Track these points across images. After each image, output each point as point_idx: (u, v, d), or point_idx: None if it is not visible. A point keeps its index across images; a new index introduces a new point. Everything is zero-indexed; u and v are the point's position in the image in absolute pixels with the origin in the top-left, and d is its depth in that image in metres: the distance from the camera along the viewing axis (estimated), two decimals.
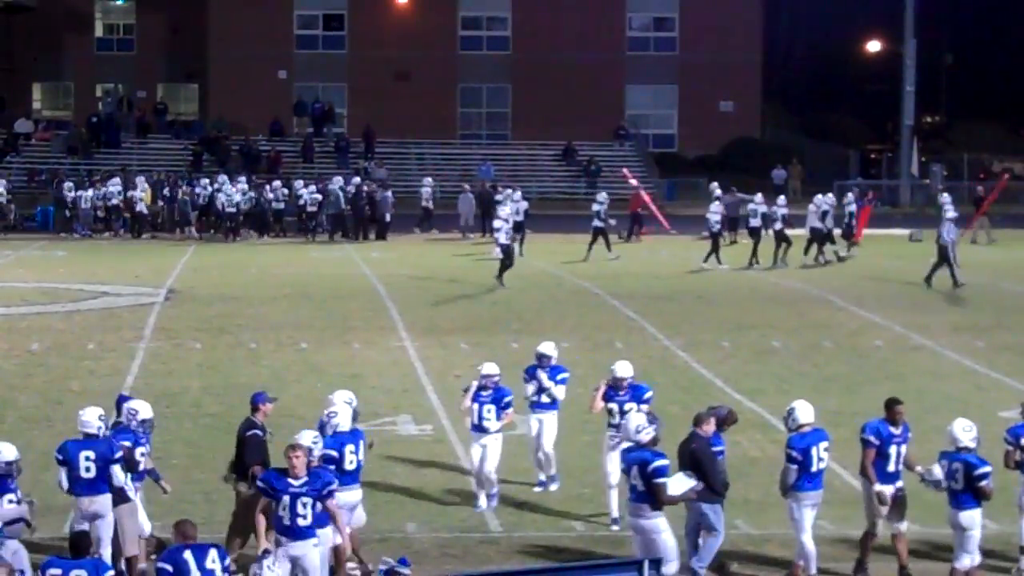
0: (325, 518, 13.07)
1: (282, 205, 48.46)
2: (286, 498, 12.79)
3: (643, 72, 68.64)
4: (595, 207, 41.05)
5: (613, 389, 16.46)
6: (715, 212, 39.71)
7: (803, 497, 14.25)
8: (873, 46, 72.34)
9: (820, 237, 39.57)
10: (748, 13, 68.74)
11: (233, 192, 47.69)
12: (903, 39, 60.19)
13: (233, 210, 47.53)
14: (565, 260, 40.18)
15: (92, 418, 14.34)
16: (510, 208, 37.23)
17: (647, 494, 13.36)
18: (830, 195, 41.76)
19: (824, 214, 39.57)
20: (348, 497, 14.12)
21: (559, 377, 17.46)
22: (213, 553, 11.59)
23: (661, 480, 13.35)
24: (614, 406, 16.26)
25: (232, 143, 61.45)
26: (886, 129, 76.48)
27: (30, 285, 34.85)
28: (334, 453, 14.17)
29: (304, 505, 12.80)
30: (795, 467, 14.21)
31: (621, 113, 68.27)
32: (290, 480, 12.84)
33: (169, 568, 11.46)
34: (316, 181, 50.25)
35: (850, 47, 77.63)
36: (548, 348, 17.72)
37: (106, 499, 14.07)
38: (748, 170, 59.32)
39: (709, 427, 14.45)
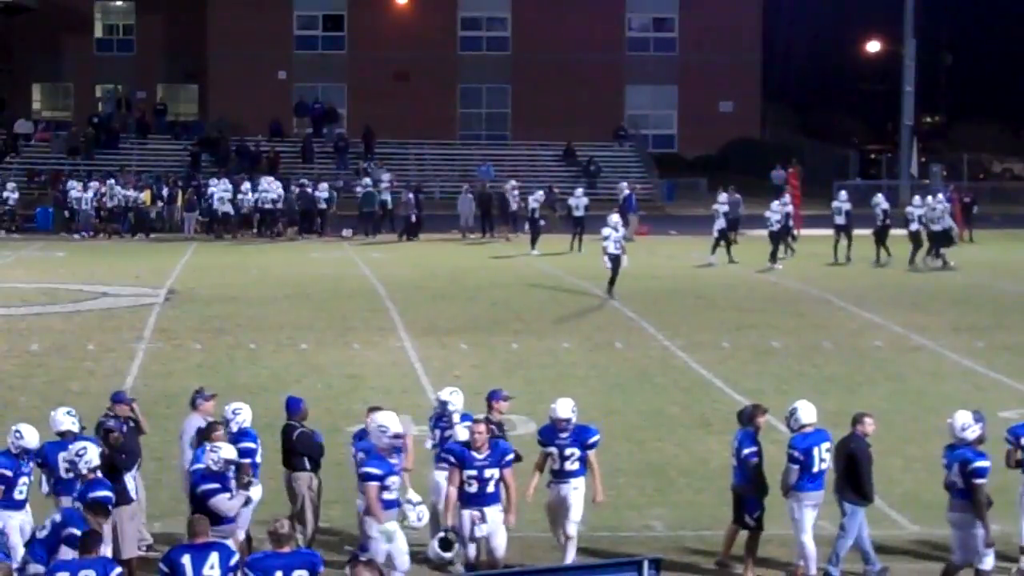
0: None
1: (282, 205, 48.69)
2: None
3: (643, 72, 68.64)
4: (717, 207, 40.17)
5: (553, 430, 14.64)
6: (775, 211, 39.47)
7: (804, 497, 14.26)
8: (873, 46, 72.41)
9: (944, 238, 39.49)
10: (748, 13, 68.75)
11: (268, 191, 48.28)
12: (903, 39, 60.16)
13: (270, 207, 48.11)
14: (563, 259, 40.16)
15: (62, 417, 14.36)
16: (616, 217, 33.56)
17: (966, 491, 13.64)
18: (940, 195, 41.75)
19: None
20: (255, 493, 14.24)
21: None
22: (214, 557, 11.44)
23: (980, 481, 13.62)
24: (554, 450, 14.53)
25: (232, 143, 61.43)
26: (886, 129, 76.52)
27: (30, 285, 34.85)
28: (253, 445, 14.38)
29: None
30: (796, 467, 14.22)
31: (621, 113, 68.26)
32: None
33: (166, 569, 11.42)
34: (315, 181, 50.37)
35: (850, 47, 77.70)
36: (448, 395, 15.21)
37: None
38: (748, 170, 59.31)
39: (864, 428, 14.46)
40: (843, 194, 41.93)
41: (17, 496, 13.77)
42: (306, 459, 14.99)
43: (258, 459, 14.52)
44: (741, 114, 68.65)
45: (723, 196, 40.80)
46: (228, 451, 13.35)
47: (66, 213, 49.22)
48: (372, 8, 67.51)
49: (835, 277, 36.75)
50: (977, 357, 25.64)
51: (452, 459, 13.75)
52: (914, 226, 39.17)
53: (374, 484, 13.32)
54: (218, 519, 13.02)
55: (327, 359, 25.33)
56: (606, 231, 32.58)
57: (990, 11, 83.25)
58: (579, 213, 43.85)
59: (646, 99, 69.46)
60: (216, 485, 13.20)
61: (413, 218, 47.07)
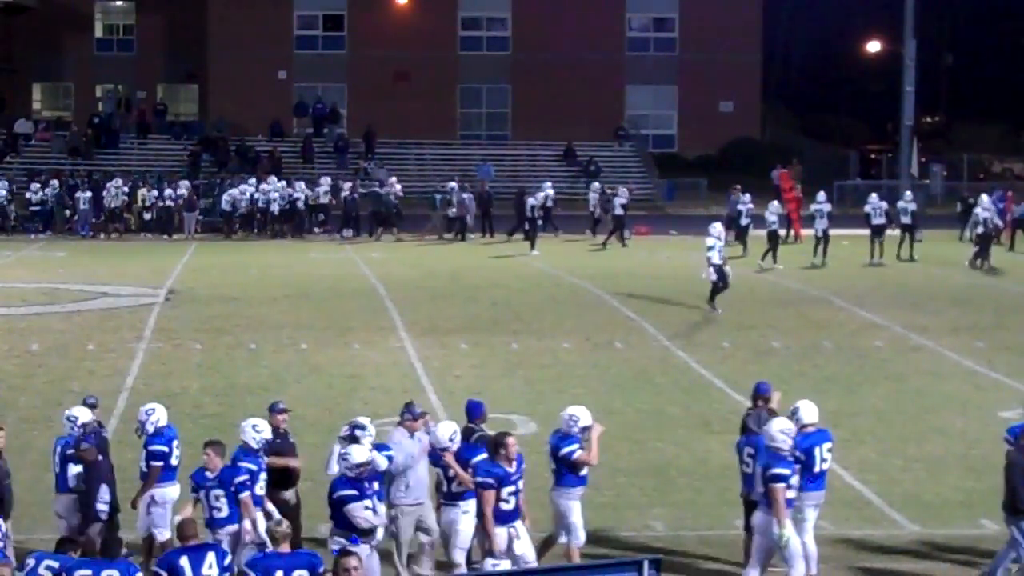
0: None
1: (287, 205, 48.79)
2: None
3: (643, 72, 68.64)
4: (815, 208, 40.33)
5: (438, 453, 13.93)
6: (772, 212, 39.81)
7: (805, 497, 14.21)
8: (873, 46, 72.37)
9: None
10: (748, 13, 68.74)
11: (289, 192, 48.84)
12: (903, 39, 60.08)
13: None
14: (575, 258, 40.16)
15: (84, 417, 14.38)
16: (720, 227, 31.67)
17: None
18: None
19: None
20: (172, 493, 14.37)
21: (384, 455, 13.89)
22: (211, 557, 11.51)
23: None
24: (439, 470, 13.99)
25: (233, 144, 61.45)
26: (886, 129, 76.47)
27: (30, 285, 34.85)
28: (164, 448, 14.40)
29: None
30: (798, 467, 14.18)
31: (621, 113, 68.27)
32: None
33: (164, 573, 11.42)
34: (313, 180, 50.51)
35: (850, 47, 77.65)
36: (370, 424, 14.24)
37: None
38: (748, 170, 59.28)
39: None
40: (908, 194, 42.94)
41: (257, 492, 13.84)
42: None
43: (173, 461, 14.50)
44: (741, 114, 68.63)
45: (822, 195, 41.35)
46: (359, 454, 13.17)
47: (67, 213, 49.32)
48: (372, 8, 67.52)
49: (835, 277, 36.74)
50: (977, 357, 25.63)
51: (491, 480, 13.31)
52: (980, 228, 39.23)
53: (782, 486, 13.40)
54: (353, 527, 12.97)
55: (327, 359, 25.32)
56: (710, 241, 30.59)
57: (990, 11, 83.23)
58: (619, 211, 44.36)
59: (646, 99, 69.44)
60: (353, 492, 13.01)
61: (468, 219, 47.27)
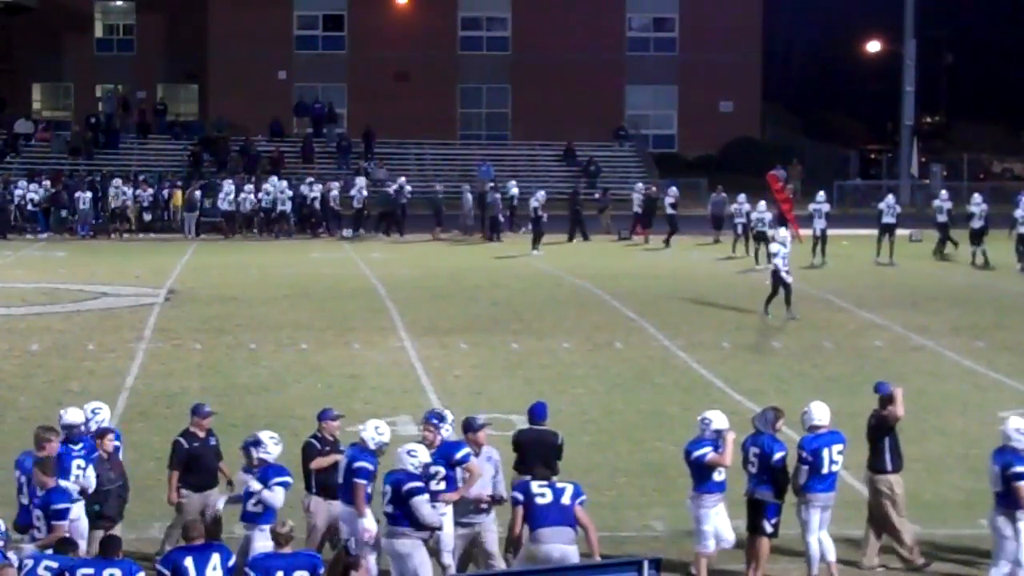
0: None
1: (287, 206, 48.85)
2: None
3: (643, 72, 68.65)
4: (814, 207, 40.41)
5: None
6: (762, 212, 39.91)
7: (812, 499, 14.19)
8: (873, 46, 72.45)
9: None
10: (748, 13, 68.74)
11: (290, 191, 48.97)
12: (903, 39, 60.15)
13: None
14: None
15: (75, 418, 14.35)
16: (784, 232, 31.52)
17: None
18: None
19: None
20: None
21: (277, 480, 13.33)
22: (215, 559, 11.45)
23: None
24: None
25: (235, 144, 61.42)
26: (886, 129, 76.52)
27: (30, 285, 34.85)
28: (118, 444, 14.38)
29: None
30: (806, 468, 14.14)
31: (621, 113, 68.27)
32: None
33: (167, 572, 11.40)
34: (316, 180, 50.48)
35: (850, 47, 77.73)
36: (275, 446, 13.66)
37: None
38: (748, 170, 59.28)
39: None
40: (944, 193, 43.05)
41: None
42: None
43: (120, 456, 14.47)
44: (741, 114, 68.63)
45: (821, 195, 41.42)
46: (425, 455, 13.14)
47: (63, 212, 49.36)
48: (372, 8, 67.53)
49: (835, 277, 36.73)
50: (977, 357, 25.63)
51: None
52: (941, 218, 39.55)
53: None
54: (417, 523, 12.89)
55: (327, 359, 25.31)
56: (774, 247, 30.64)
57: (990, 11, 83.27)
58: (670, 211, 44.79)
59: (646, 99, 69.45)
60: (420, 484, 12.93)
61: (500, 217, 47.34)
